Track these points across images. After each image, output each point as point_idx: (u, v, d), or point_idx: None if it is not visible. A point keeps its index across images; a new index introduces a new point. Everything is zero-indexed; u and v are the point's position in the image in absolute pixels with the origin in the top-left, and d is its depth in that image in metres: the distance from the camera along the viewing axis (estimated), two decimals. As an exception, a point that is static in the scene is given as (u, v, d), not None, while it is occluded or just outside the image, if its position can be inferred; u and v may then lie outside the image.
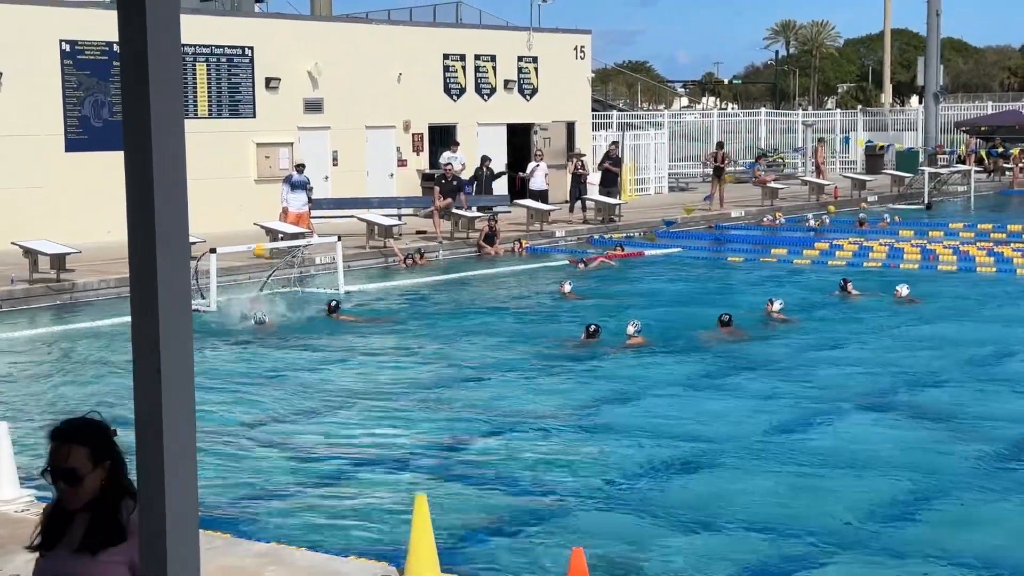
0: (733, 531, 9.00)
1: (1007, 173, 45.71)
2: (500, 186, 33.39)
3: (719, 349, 15.99)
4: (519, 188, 32.96)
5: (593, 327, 16.37)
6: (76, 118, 26.33)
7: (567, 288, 20.53)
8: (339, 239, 21.87)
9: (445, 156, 31.71)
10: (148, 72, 2.57)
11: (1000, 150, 46.11)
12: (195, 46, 28.14)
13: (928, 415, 12.51)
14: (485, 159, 31.37)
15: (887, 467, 10.58)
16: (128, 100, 2.62)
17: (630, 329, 16.04)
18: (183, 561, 2.73)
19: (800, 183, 39.95)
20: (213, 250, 19.75)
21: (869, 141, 49.35)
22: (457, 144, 32.61)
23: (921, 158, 42.70)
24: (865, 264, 24.37)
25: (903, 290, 19.33)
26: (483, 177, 30.94)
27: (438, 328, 17.99)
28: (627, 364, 15.23)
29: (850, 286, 19.98)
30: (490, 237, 26.70)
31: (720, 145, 37.29)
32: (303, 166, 26.52)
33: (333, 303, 18.88)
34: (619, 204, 31.65)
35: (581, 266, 23.65)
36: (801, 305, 19.19)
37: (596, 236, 29.35)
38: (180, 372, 2.62)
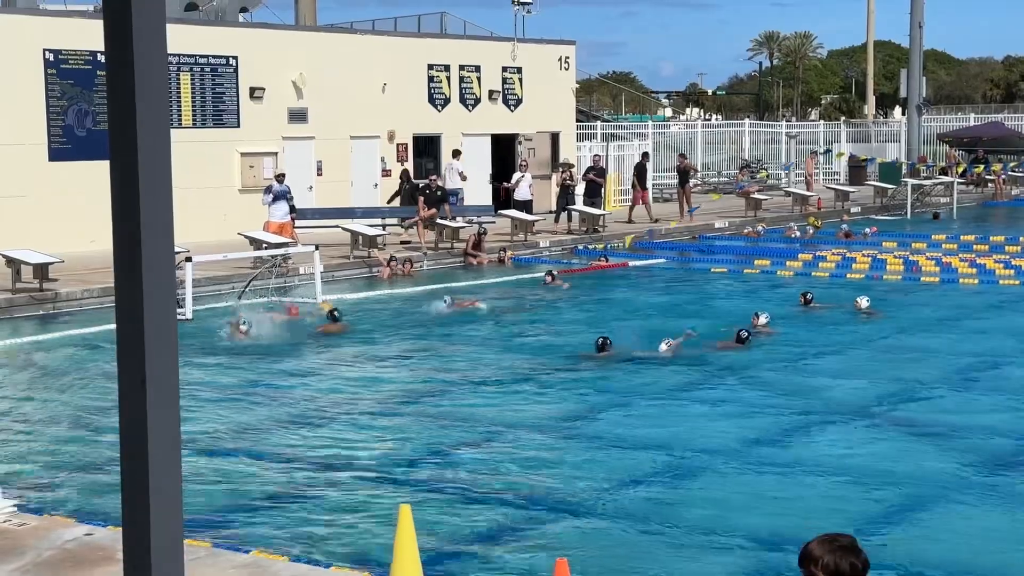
0: (717, 541, 9.01)
1: (989, 185, 45.89)
2: (484, 196, 33.47)
3: (704, 360, 16.00)
4: (504, 198, 33.01)
5: (601, 340, 16.29)
6: (60, 127, 26.26)
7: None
8: (317, 248, 21.81)
9: (447, 165, 31.97)
10: (134, 82, 2.57)
11: (978, 168, 46.30)
12: (179, 56, 28.10)
13: (907, 425, 12.54)
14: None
15: (870, 477, 10.60)
16: (114, 110, 2.62)
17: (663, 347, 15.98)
18: (167, 573, 2.72)
19: (783, 194, 40.06)
20: (189, 259, 19.68)
21: (851, 155, 49.55)
22: (459, 152, 32.77)
23: (904, 170, 42.85)
24: (848, 275, 24.44)
25: (863, 302, 19.32)
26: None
27: (421, 338, 17.97)
28: (611, 375, 15.23)
29: (809, 296, 20.03)
30: (476, 246, 26.72)
31: (683, 156, 37.27)
32: (283, 176, 26.48)
33: (335, 312, 18.83)
34: (603, 214, 31.70)
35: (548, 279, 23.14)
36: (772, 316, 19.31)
37: (580, 246, 29.37)
38: (165, 383, 2.62)
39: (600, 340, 16.27)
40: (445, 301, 20.06)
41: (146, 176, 2.58)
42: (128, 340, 2.60)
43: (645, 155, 36.33)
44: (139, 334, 2.56)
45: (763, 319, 17.69)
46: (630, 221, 33.16)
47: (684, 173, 34.84)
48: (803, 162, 43.73)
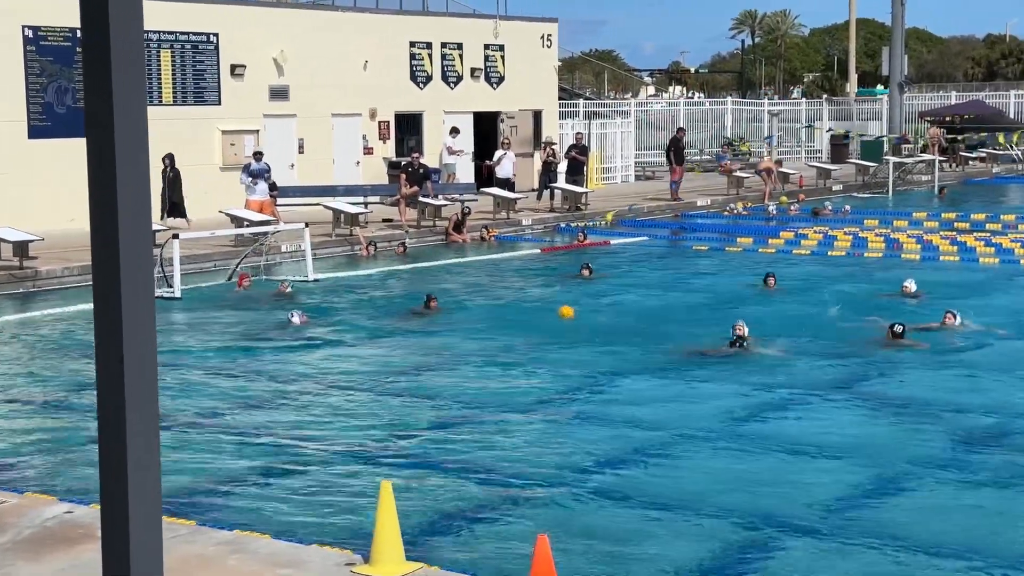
0: (700, 519, 9.04)
1: (970, 163, 46.03)
2: (466, 174, 33.51)
3: (683, 339, 16.04)
4: (486, 176, 33.02)
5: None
6: (39, 105, 26.10)
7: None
8: (307, 226, 21.80)
9: (448, 141, 32.55)
10: (110, 56, 2.55)
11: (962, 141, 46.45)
12: (159, 32, 27.94)
13: (889, 404, 12.60)
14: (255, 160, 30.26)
15: (850, 455, 10.65)
16: (90, 84, 2.60)
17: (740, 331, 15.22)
18: (146, 549, 2.72)
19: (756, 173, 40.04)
20: (176, 236, 19.67)
21: (830, 129, 49.68)
22: (458, 131, 32.84)
23: (885, 147, 42.93)
24: (830, 253, 24.50)
25: (911, 286, 18.73)
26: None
27: (405, 316, 17.96)
28: (595, 355, 15.25)
29: (772, 280, 19.79)
30: (458, 225, 26.70)
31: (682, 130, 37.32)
32: (261, 154, 26.35)
33: (429, 296, 18.23)
34: (586, 192, 31.70)
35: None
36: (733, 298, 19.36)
37: (563, 224, 29.38)
38: (143, 360, 2.61)
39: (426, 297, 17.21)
40: (292, 316, 17.36)
41: (122, 151, 2.57)
42: (105, 318, 2.59)
43: (680, 130, 36.35)
44: (116, 312, 2.55)
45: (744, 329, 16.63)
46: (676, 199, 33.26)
47: (680, 150, 34.61)
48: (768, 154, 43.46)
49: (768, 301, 18.85)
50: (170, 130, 27.26)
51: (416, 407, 12.62)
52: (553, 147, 32.90)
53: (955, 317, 16.15)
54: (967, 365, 14.43)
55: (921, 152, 43.84)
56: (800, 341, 15.63)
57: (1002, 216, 29.47)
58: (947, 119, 48.67)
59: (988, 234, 26.35)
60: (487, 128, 35.82)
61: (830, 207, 32.05)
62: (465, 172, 33.86)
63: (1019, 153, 47.00)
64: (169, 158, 25.71)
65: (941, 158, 42.21)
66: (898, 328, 15.48)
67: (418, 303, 18.28)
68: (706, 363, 14.60)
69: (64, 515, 8.14)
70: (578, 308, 17.90)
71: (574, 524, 8.93)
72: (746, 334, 15.07)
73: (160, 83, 28.17)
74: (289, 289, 19.74)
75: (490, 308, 18.74)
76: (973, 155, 46.52)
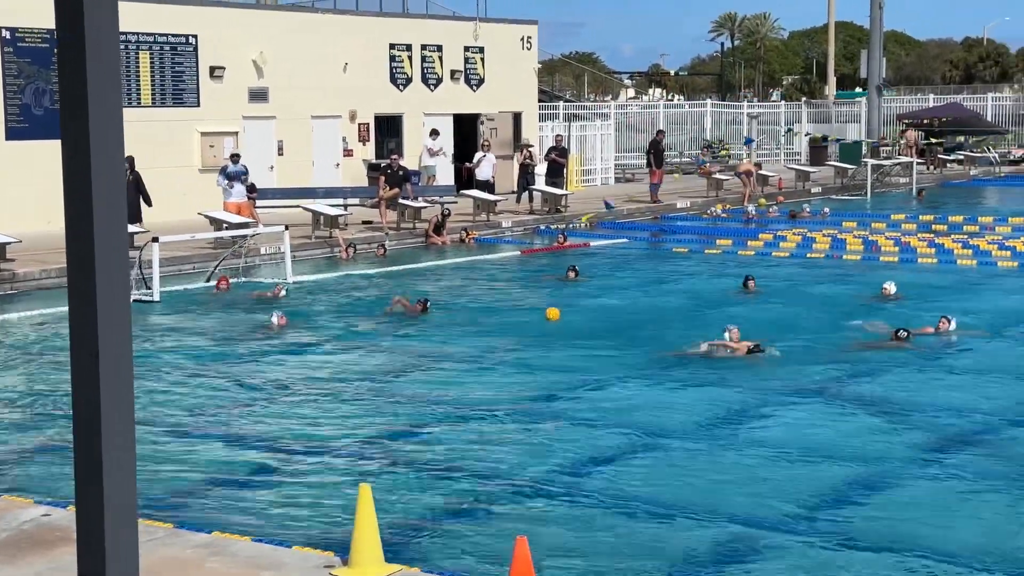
0: (682, 520, 9.06)
1: (948, 165, 46.23)
2: (446, 176, 33.53)
3: (663, 341, 16.06)
4: (466, 178, 33.01)
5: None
6: (17, 106, 25.98)
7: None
8: (286, 228, 21.75)
9: (428, 142, 32.64)
10: (85, 58, 2.54)
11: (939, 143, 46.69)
12: (138, 34, 27.85)
13: (867, 404, 12.63)
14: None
15: (829, 455, 10.68)
16: (65, 84, 2.59)
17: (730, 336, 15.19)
18: (122, 550, 2.71)
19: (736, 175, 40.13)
20: (156, 239, 19.61)
21: (808, 133, 49.84)
22: (438, 133, 32.86)
23: (864, 150, 43.08)
24: (809, 255, 24.58)
25: (890, 288, 18.87)
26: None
27: (384, 319, 17.93)
28: (576, 356, 15.26)
29: (752, 283, 19.74)
30: (438, 227, 26.68)
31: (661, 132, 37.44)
32: (238, 156, 26.25)
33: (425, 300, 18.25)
34: (565, 194, 31.72)
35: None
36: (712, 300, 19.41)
37: (542, 226, 29.39)
38: (118, 357, 2.60)
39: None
40: (273, 318, 17.21)
41: (98, 151, 2.56)
42: (80, 313, 2.58)
43: (660, 132, 36.42)
44: (91, 307, 2.53)
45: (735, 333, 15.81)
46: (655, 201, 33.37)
47: (659, 152, 34.64)
48: (752, 154, 43.56)
49: (748, 303, 18.88)
50: (149, 132, 27.18)
51: (395, 409, 12.60)
52: (530, 149, 32.91)
53: (949, 322, 16.14)
54: (954, 369, 14.45)
55: (900, 155, 43.99)
56: (787, 344, 15.63)
57: (979, 218, 29.61)
58: (925, 122, 48.89)
59: (965, 236, 26.47)
60: (467, 130, 35.82)
61: (808, 209, 32.15)
62: (445, 174, 33.85)
63: (996, 156, 47.24)
64: (128, 161, 25.55)
65: (917, 160, 42.35)
66: (903, 333, 15.43)
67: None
68: (689, 365, 14.61)
69: (41, 518, 8.10)
70: (560, 309, 17.88)
71: (554, 525, 8.93)
72: (737, 339, 15.02)
73: (139, 85, 28.08)
74: (284, 293, 19.65)
75: (471, 310, 18.72)
76: (951, 158, 46.72)
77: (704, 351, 15.03)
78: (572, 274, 21.27)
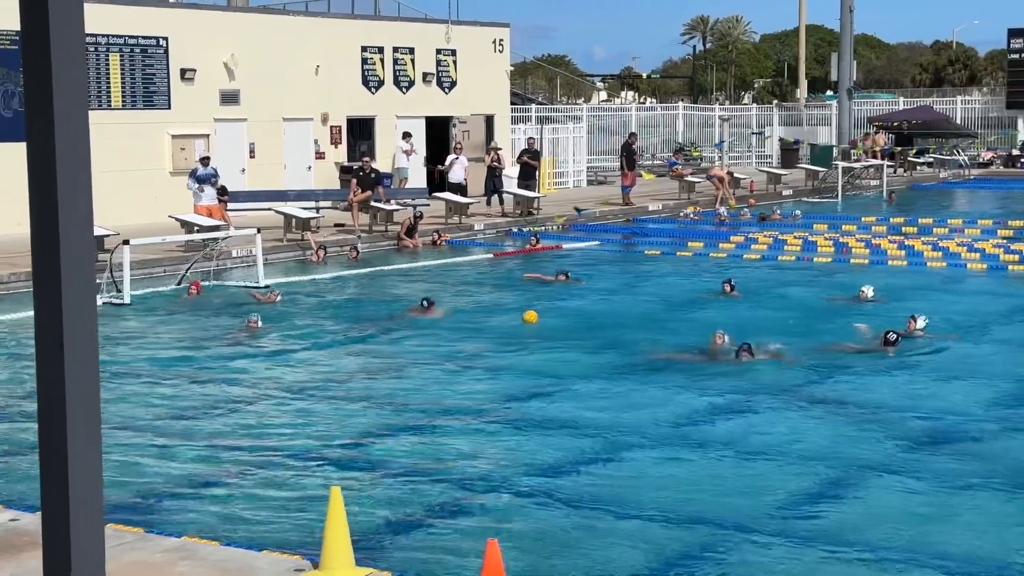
0: (654, 523, 9.07)
1: (918, 168, 46.48)
2: (419, 179, 33.53)
3: (638, 344, 16.09)
4: (438, 181, 33.00)
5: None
6: (-15, 108, 25.81)
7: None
8: (259, 231, 21.68)
9: (401, 144, 32.83)
10: (51, 58, 2.53)
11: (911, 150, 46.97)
12: (108, 36, 27.71)
13: (838, 407, 12.69)
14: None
15: (801, 456, 10.72)
16: (31, 86, 2.58)
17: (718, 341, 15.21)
18: (87, 553, 2.69)
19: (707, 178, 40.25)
20: (126, 242, 19.51)
21: (780, 138, 50.02)
22: (410, 135, 32.88)
23: (835, 152, 43.28)
24: (780, 258, 24.67)
25: (868, 291, 18.94)
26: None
27: (353, 322, 17.90)
28: (546, 358, 15.27)
29: (729, 286, 19.70)
30: (410, 230, 26.65)
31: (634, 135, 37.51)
32: (208, 159, 26.13)
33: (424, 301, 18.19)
34: (538, 197, 31.74)
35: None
36: (691, 302, 19.47)
37: (515, 229, 29.40)
38: (84, 355, 2.59)
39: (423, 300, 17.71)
40: (250, 319, 17.22)
41: (64, 152, 2.55)
42: (45, 312, 2.57)
43: (632, 135, 36.44)
44: (56, 308, 2.52)
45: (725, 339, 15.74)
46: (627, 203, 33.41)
47: (632, 154, 34.68)
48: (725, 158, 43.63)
49: (725, 306, 18.92)
50: (119, 134, 27.05)
51: (367, 412, 12.58)
52: (499, 152, 32.90)
53: (916, 321, 16.22)
54: (926, 371, 14.50)
55: (864, 157, 44.18)
56: (767, 346, 15.66)
57: (949, 221, 29.78)
58: (895, 124, 49.15)
59: (935, 238, 26.62)
60: (439, 133, 35.79)
61: (779, 212, 32.26)
62: (417, 177, 33.83)
63: (966, 159, 47.55)
64: None
65: (887, 163, 42.55)
66: (891, 336, 15.42)
67: (377, 308, 18.27)
68: (662, 368, 14.63)
69: (9, 523, 8.05)
70: (537, 312, 17.86)
71: (525, 528, 8.93)
72: (726, 343, 14.99)
73: (109, 87, 27.94)
74: (279, 298, 19.50)
75: (445, 312, 18.68)
76: (921, 160, 46.99)
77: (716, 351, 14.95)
78: (563, 278, 21.11)
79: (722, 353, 14.96)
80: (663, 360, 14.97)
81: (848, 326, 16.78)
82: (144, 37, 28.66)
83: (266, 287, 20.34)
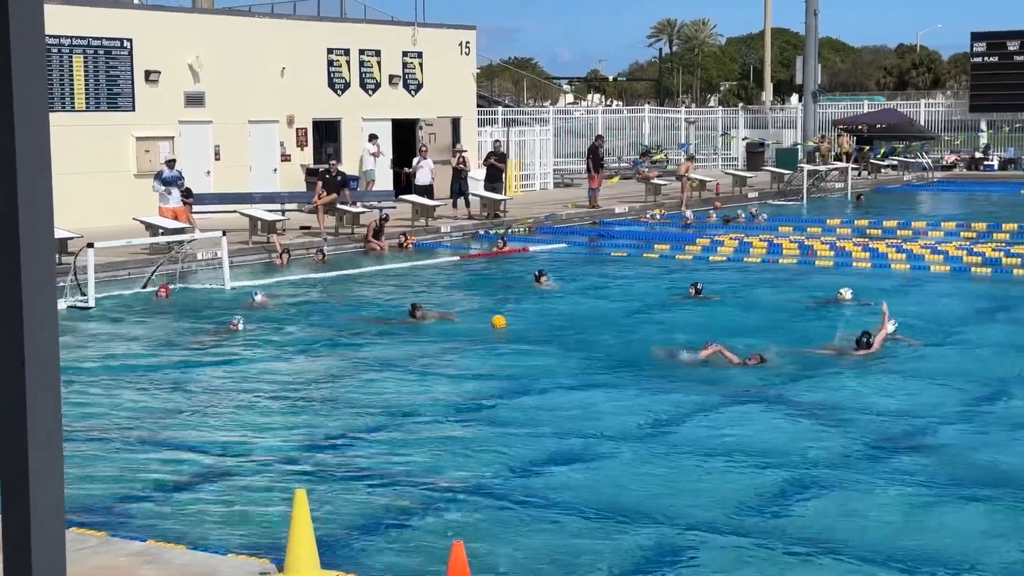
0: (618, 523, 9.09)
1: (882, 171, 46.78)
2: (385, 181, 33.49)
3: (603, 346, 16.12)
4: (405, 183, 32.98)
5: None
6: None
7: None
8: (224, 234, 21.59)
9: (368, 147, 32.99)
10: (11, 60, 2.52)
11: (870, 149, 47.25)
12: (72, 38, 27.55)
13: (802, 408, 12.76)
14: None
15: (765, 458, 10.77)
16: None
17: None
18: (49, 557, 2.68)
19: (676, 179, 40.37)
20: (91, 245, 19.39)
21: (745, 138, 50.27)
22: (376, 137, 32.89)
23: (800, 155, 43.50)
24: (745, 259, 24.77)
25: (846, 293, 18.89)
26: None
27: (319, 325, 17.86)
28: (510, 359, 15.29)
29: (695, 289, 19.62)
30: (377, 232, 26.61)
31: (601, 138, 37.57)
32: (174, 161, 25.99)
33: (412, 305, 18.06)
34: (504, 200, 31.76)
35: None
36: (658, 305, 19.53)
37: (481, 231, 29.40)
38: (45, 362, 2.57)
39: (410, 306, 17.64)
40: (256, 293, 19.20)
41: (24, 153, 2.54)
42: (6, 320, 2.56)
43: (599, 137, 36.48)
44: (17, 312, 2.51)
45: (713, 347, 15.35)
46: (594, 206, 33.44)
47: (598, 157, 34.67)
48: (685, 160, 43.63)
49: (693, 308, 18.97)
50: (83, 136, 26.91)
51: (332, 414, 12.55)
52: (464, 154, 32.91)
53: (844, 293, 16.82)
54: (891, 372, 14.57)
55: (835, 160, 44.44)
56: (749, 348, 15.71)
57: (913, 223, 29.98)
58: (859, 127, 49.45)
59: (899, 240, 26.80)
60: (406, 135, 35.76)
61: (743, 215, 32.37)
62: (384, 179, 33.79)
63: (929, 162, 47.90)
64: None
65: (849, 166, 42.77)
66: (864, 339, 15.41)
67: (346, 311, 18.21)
68: (634, 369, 14.63)
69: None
70: (505, 316, 17.86)
71: (491, 530, 8.93)
72: (717, 349, 14.97)
73: (72, 89, 27.77)
74: (272, 303, 19.46)
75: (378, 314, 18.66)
76: (885, 163, 47.29)
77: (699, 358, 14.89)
78: (543, 280, 20.88)
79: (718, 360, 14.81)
80: (645, 360, 14.96)
81: (826, 328, 16.89)
82: (108, 39, 28.50)
83: (253, 289, 20.21)
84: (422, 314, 17.62)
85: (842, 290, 19.13)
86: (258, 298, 18.95)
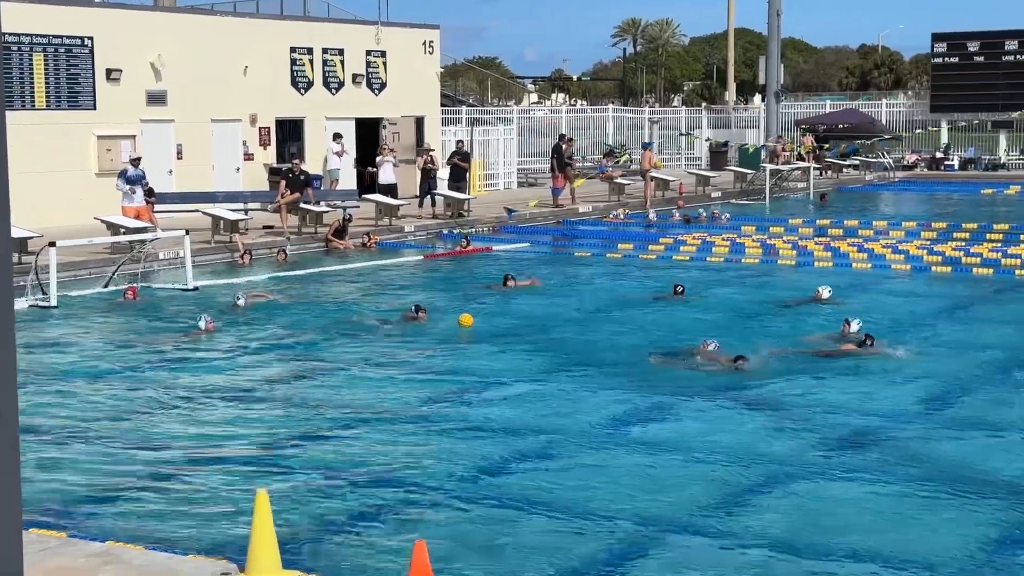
0: (582, 522, 9.11)
1: (844, 170, 47.07)
2: (348, 180, 33.44)
3: (570, 346, 16.16)
4: (368, 183, 32.93)
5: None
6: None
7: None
8: (187, 233, 21.47)
9: (332, 147, 32.99)
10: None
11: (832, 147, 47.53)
12: (32, 36, 27.34)
13: (763, 406, 12.82)
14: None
15: (730, 457, 10.82)
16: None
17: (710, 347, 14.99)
18: (5, 557, 2.67)
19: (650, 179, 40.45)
20: (52, 244, 19.26)
21: (708, 139, 50.46)
22: (340, 136, 32.85)
23: (763, 155, 43.71)
24: (709, 259, 24.87)
25: (824, 292, 18.97)
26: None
27: (283, 325, 17.80)
28: (473, 359, 15.29)
29: (678, 289, 19.66)
30: (340, 232, 26.56)
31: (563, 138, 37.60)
32: (139, 160, 25.83)
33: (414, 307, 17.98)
34: (468, 199, 31.76)
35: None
36: (639, 303, 19.58)
37: (445, 231, 29.39)
38: (1, 362, 2.56)
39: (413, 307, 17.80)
40: (238, 297, 18.90)
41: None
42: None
43: (562, 137, 36.52)
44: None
45: (712, 346, 15.32)
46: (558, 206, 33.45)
47: (562, 156, 34.64)
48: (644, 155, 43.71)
49: (666, 308, 19.02)
50: (43, 135, 26.73)
51: (294, 415, 12.52)
52: (431, 154, 32.90)
53: (849, 324, 16.28)
54: (859, 373, 14.61)
55: (797, 159, 44.66)
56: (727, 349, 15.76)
57: (874, 223, 30.19)
58: (822, 127, 49.75)
59: (861, 240, 26.97)
60: (370, 134, 35.70)
61: (704, 214, 32.47)
62: (347, 178, 33.72)
63: (890, 161, 48.25)
64: None
65: (812, 165, 42.97)
66: (867, 341, 15.37)
67: (311, 311, 18.16)
68: (597, 371, 14.65)
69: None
70: (472, 315, 17.83)
71: (454, 530, 8.94)
72: (714, 348, 14.99)
73: (33, 87, 27.56)
74: (272, 296, 19.45)
75: (373, 314, 18.64)
76: (847, 163, 47.58)
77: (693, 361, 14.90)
78: (510, 283, 20.66)
79: (708, 360, 14.81)
80: (612, 360, 14.98)
81: (801, 327, 16.98)
82: (69, 37, 28.30)
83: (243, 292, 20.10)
84: (422, 315, 17.63)
85: (820, 288, 19.23)
86: (241, 301, 18.64)
